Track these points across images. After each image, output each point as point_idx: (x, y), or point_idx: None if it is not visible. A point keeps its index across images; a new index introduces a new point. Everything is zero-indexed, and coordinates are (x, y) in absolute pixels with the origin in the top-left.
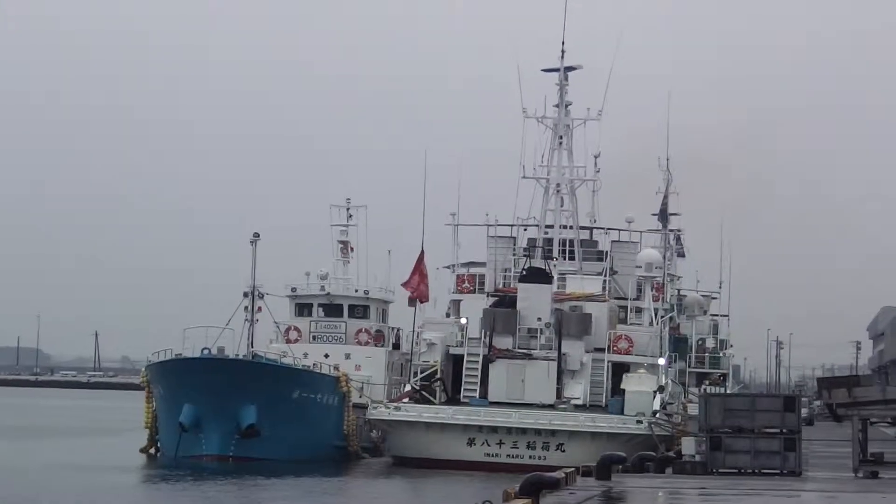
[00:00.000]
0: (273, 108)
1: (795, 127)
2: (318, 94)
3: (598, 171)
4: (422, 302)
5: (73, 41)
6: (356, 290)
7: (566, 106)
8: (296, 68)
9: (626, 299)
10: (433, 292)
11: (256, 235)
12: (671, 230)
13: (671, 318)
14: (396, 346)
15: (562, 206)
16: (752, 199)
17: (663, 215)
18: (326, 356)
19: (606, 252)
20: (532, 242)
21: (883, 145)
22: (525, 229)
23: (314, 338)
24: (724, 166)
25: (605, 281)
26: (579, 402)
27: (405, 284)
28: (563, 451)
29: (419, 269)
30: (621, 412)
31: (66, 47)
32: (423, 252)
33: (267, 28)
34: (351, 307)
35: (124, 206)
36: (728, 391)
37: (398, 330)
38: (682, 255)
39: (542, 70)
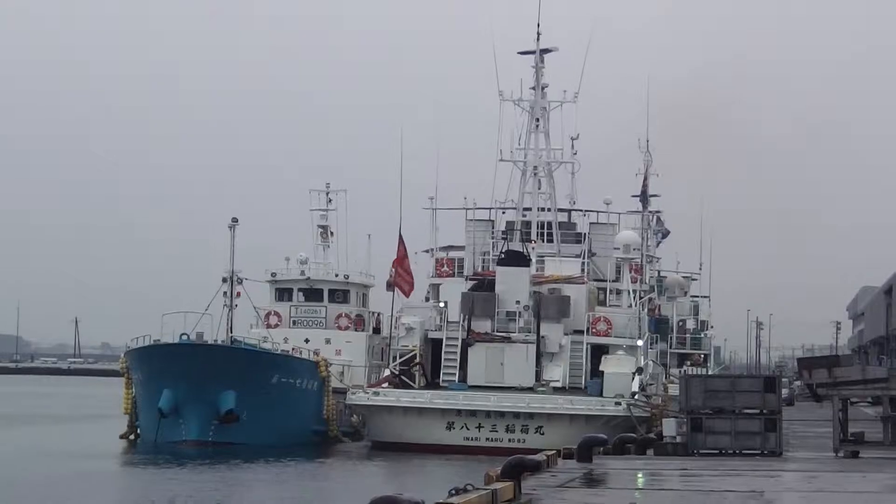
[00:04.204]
0: (250, 94)
1: (777, 107)
2: (293, 82)
3: (576, 154)
4: (402, 292)
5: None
6: (336, 275)
7: (542, 88)
8: (273, 52)
9: (604, 281)
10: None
11: (235, 220)
12: (651, 211)
13: (651, 300)
14: (377, 331)
15: (539, 188)
16: (732, 181)
17: (644, 197)
18: (307, 341)
19: (585, 234)
20: (510, 225)
21: (867, 129)
22: (503, 212)
23: (294, 323)
24: (704, 145)
25: (583, 263)
26: (558, 384)
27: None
28: (542, 433)
29: (399, 261)
30: (600, 394)
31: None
32: (401, 238)
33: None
34: (331, 292)
35: (103, 193)
36: (709, 372)
37: (378, 314)
38: (664, 235)
39: (519, 53)
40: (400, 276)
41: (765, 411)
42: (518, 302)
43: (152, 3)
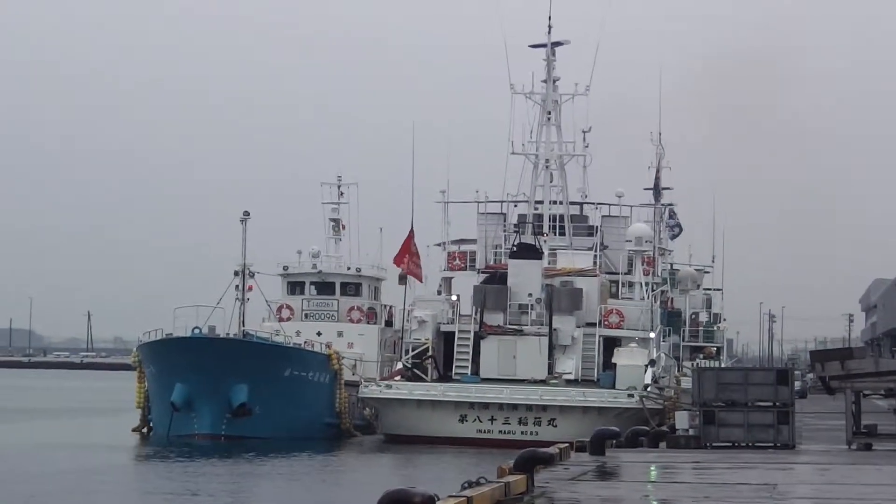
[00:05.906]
0: (262, 79)
1: (789, 97)
2: (307, 76)
3: (587, 146)
4: (416, 278)
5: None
6: (348, 268)
7: (554, 81)
8: (290, 42)
9: (616, 274)
10: (424, 269)
11: (247, 214)
12: (663, 204)
13: (663, 292)
14: (389, 324)
15: (551, 181)
16: (745, 174)
17: (656, 190)
18: (319, 334)
19: (597, 227)
20: (522, 218)
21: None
22: (515, 205)
23: (306, 316)
24: (718, 133)
25: (595, 256)
26: (571, 376)
27: (396, 260)
28: (555, 426)
29: (408, 247)
30: (613, 386)
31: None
32: (412, 231)
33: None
34: (343, 285)
35: (116, 188)
36: (722, 365)
37: (391, 307)
38: (677, 229)
39: (530, 46)
40: (413, 262)
41: (777, 404)
42: (530, 295)
43: None
